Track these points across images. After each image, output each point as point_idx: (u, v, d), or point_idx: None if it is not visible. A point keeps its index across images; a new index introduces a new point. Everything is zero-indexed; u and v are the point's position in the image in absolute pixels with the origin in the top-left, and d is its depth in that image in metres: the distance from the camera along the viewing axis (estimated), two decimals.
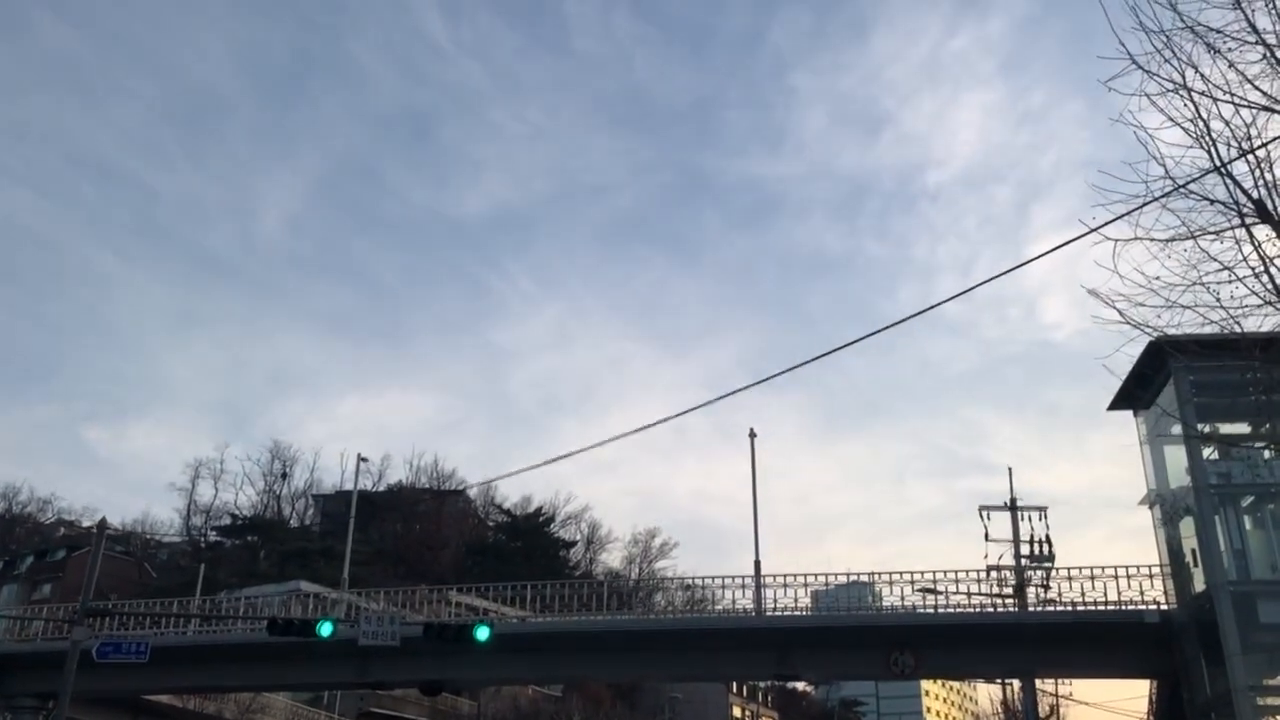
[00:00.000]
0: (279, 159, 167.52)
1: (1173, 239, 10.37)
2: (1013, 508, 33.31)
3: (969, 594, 29.56)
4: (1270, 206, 9.87)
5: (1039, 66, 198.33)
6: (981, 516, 33.26)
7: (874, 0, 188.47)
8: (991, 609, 30.35)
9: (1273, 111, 9.78)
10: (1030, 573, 31.56)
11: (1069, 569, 28.28)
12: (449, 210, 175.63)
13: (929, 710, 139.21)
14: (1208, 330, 10.64)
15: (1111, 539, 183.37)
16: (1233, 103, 9.94)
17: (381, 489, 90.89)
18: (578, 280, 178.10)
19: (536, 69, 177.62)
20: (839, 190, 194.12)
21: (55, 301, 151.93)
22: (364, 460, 42.51)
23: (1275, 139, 9.85)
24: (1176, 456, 27.26)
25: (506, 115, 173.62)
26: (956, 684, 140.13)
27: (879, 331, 14.39)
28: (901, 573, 28.80)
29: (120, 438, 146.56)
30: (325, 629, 25.59)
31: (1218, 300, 10.20)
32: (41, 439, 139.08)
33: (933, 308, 14.41)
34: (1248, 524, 26.28)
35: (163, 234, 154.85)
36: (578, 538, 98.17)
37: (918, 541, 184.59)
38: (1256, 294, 10.03)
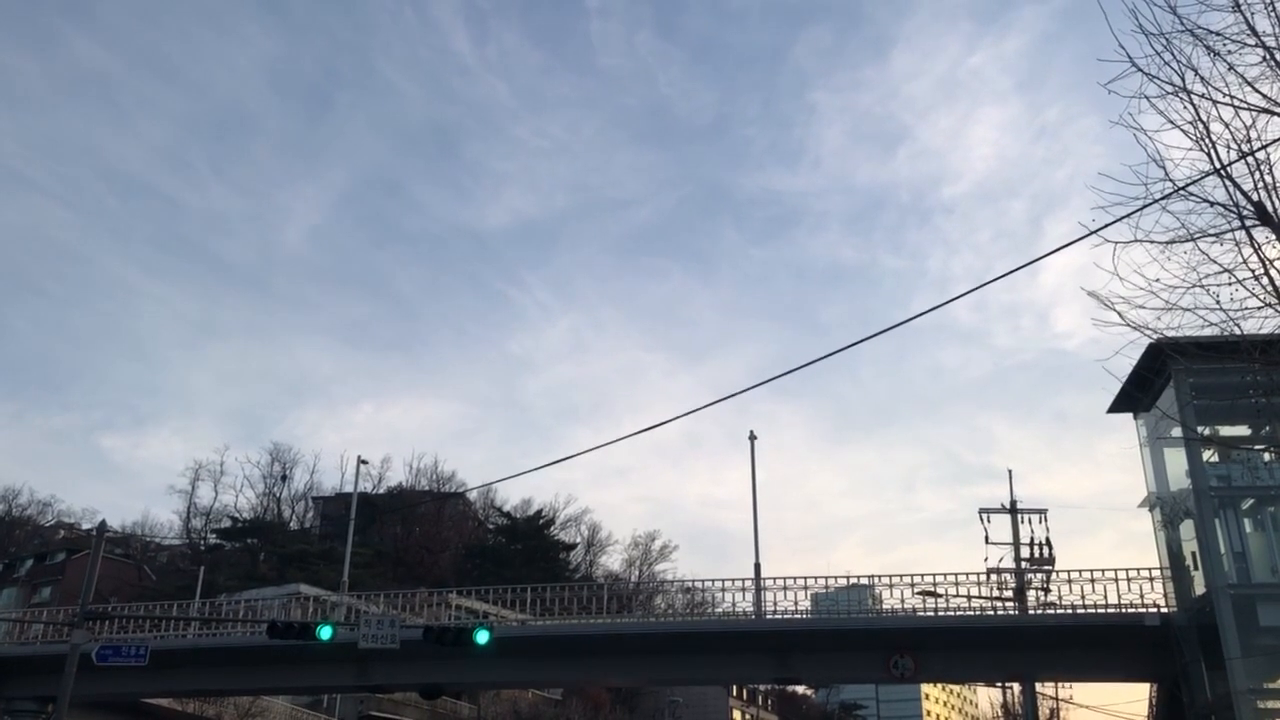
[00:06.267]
0: (304, 173, 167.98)
1: (1173, 241, 10.36)
2: (1013, 510, 33.28)
3: (969, 597, 29.60)
4: (1270, 209, 9.85)
5: (1055, 83, 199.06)
6: (982, 519, 33.26)
7: (894, 19, 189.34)
8: (992, 612, 30.34)
9: (1272, 114, 9.77)
10: (1030, 576, 31.55)
11: (1069, 572, 28.39)
12: (470, 224, 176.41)
13: (929, 714, 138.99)
14: (1207, 333, 10.62)
15: (1119, 544, 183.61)
16: (1232, 105, 9.93)
17: (381, 491, 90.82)
18: (595, 291, 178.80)
19: (560, 86, 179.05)
20: (855, 204, 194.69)
21: (79, 311, 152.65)
22: (364, 463, 42.43)
23: (1275, 141, 9.83)
24: (1176, 459, 27.27)
25: (530, 131, 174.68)
26: (956, 687, 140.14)
27: (872, 337, 14.44)
28: (901, 575, 29.00)
29: (137, 445, 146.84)
30: (325, 632, 25.61)
31: (1217, 303, 10.18)
32: (56, 446, 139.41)
33: (923, 314, 14.40)
34: (1248, 527, 26.27)
35: (185, 246, 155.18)
36: (578, 540, 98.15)
37: (926, 548, 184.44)
38: (1256, 296, 10.01)
